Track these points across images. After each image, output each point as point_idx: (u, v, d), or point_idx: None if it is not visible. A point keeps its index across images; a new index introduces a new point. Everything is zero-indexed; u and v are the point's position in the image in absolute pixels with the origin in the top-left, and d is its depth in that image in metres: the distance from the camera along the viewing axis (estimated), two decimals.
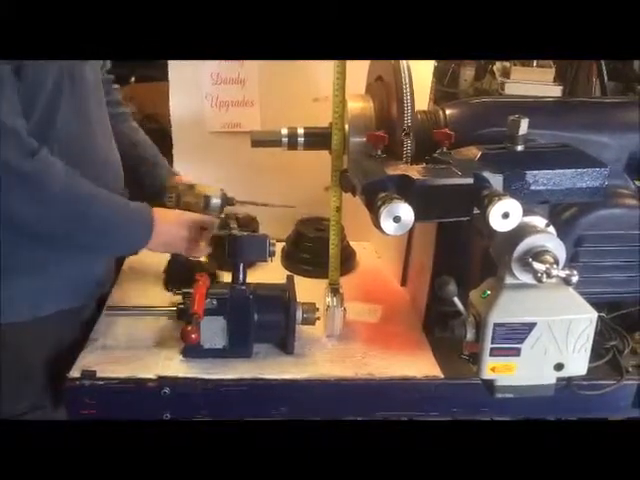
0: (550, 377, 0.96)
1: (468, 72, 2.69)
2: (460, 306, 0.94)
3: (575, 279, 0.86)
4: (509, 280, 0.93)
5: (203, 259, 1.31)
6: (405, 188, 0.89)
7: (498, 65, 2.56)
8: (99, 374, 1.07)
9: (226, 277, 1.28)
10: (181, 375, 1.09)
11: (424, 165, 0.96)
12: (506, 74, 2.47)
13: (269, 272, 1.34)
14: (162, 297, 1.29)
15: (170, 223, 1.14)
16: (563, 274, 0.87)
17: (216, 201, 1.21)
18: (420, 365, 1.15)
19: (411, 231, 1.32)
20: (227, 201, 1.23)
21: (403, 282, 1.43)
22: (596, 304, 0.97)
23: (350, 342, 1.21)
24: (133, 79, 2.75)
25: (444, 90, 2.54)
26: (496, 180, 0.91)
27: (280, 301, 1.14)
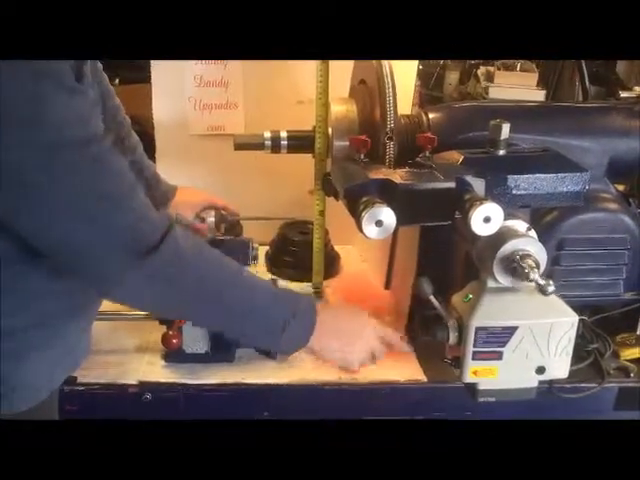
0: (532, 380, 0.96)
1: (453, 76, 2.71)
2: (437, 305, 0.94)
3: (551, 289, 0.86)
4: (491, 284, 0.93)
5: None
6: (387, 192, 0.89)
7: (482, 69, 2.58)
8: (80, 380, 1.06)
9: None
10: (163, 380, 1.08)
11: (406, 169, 0.96)
12: (490, 78, 2.49)
13: None
14: None
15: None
16: (542, 281, 0.87)
17: (210, 220, 1.23)
18: (404, 369, 1.15)
19: (395, 235, 1.33)
20: (222, 219, 1.23)
21: (387, 285, 1.43)
22: (578, 307, 0.97)
23: None
24: (117, 81, 2.73)
25: (429, 94, 2.56)
26: (478, 184, 0.91)
27: None
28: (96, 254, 0.73)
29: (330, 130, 1.14)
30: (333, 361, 0.99)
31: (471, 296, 0.95)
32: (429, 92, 2.57)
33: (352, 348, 0.96)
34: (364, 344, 0.97)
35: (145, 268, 0.74)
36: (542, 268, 0.90)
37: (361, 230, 0.86)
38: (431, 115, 1.16)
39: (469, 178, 0.91)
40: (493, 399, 0.97)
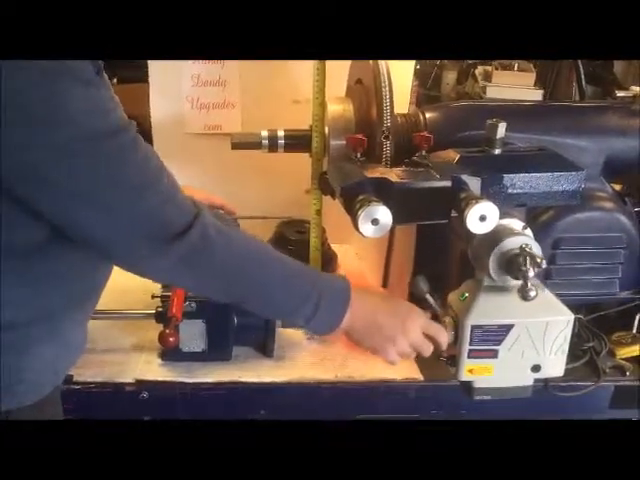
0: (527, 379, 0.97)
1: (450, 76, 2.70)
2: (433, 303, 0.95)
3: (533, 294, 0.86)
4: (487, 282, 0.93)
5: None
6: (384, 191, 0.89)
7: (480, 69, 2.57)
8: (76, 378, 1.06)
9: None
10: (160, 379, 1.09)
11: (403, 168, 0.97)
12: (488, 78, 2.48)
13: None
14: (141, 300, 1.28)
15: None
16: (529, 284, 0.86)
17: None
18: (400, 368, 1.14)
19: (392, 233, 1.33)
20: (219, 218, 1.22)
21: (384, 284, 1.43)
22: (574, 306, 0.98)
23: (330, 345, 1.21)
24: (115, 80, 2.73)
25: (427, 93, 2.56)
26: (474, 183, 0.91)
27: None
28: (124, 242, 0.74)
29: (327, 129, 1.14)
30: (371, 352, 0.92)
31: (467, 294, 0.95)
32: (427, 92, 2.57)
33: (392, 343, 0.89)
34: (405, 340, 0.89)
35: (173, 253, 0.74)
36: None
37: (357, 229, 0.86)
38: (428, 114, 1.17)
39: (465, 177, 0.91)
40: (489, 397, 0.97)
